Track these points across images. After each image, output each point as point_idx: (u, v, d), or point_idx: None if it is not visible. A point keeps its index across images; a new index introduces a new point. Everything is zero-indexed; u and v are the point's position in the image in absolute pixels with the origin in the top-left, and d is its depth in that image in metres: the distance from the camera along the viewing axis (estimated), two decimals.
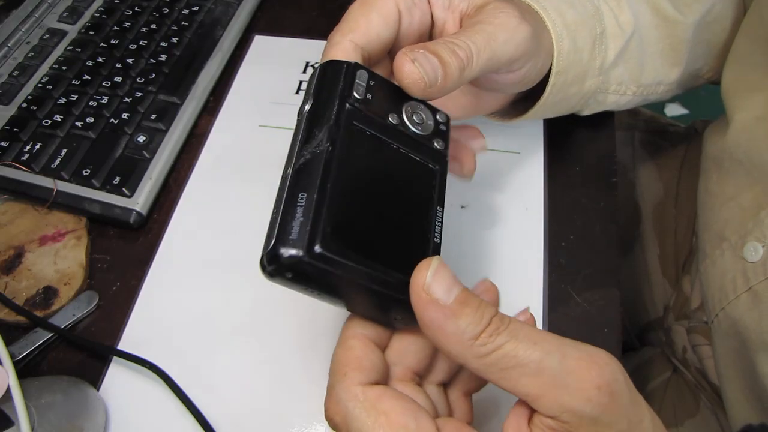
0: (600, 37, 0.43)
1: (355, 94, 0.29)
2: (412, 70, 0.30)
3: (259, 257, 0.26)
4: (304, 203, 0.26)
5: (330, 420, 0.28)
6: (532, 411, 0.26)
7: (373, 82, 0.30)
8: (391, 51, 0.36)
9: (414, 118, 0.31)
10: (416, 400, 0.28)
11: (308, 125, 0.28)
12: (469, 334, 0.25)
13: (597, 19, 0.42)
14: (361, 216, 0.27)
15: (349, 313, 0.29)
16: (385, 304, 0.28)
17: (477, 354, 0.25)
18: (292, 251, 0.25)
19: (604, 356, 0.25)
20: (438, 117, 0.33)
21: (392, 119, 0.30)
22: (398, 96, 0.31)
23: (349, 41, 0.32)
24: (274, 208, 0.27)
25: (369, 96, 0.30)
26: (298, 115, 0.30)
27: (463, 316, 0.25)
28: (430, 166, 0.31)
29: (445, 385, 0.32)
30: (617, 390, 0.25)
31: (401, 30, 0.35)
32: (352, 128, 0.28)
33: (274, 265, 0.25)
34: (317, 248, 0.25)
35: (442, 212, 0.30)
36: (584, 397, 0.24)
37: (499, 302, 0.31)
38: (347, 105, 0.29)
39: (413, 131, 0.31)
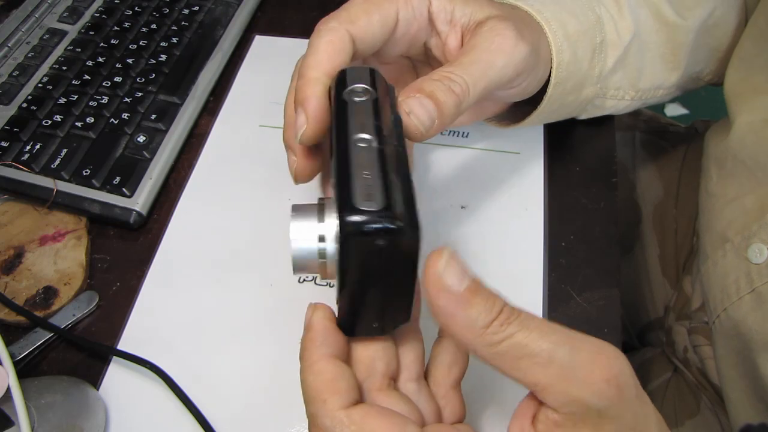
0: (600, 46, 0.42)
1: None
2: (408, 123, 0.31)
3: (344, 215, 0.24)
4: (401, 185, 0.26)
5: None
6: (538, 407, 0.26)
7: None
8: (376, 52, 0.36)
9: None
10: (399, 409, 0.28)
11: (376, 114, 0.29)
12: (481, 323, 0.25)
13: (598, 29, 0.42)
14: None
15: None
16: (389, 305, 0.28)
17: (488, 342, 0.25)
18: (403, 225, 0.24)
19: (613, 350, 0.25)
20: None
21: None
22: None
23: (346, 30, 0.32)
24: (363, 170, 0.26)
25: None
26: (341, 96, 0.30)
27: (474, 305, 0.25)
28: None
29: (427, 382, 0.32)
30: (624, 384, 0.25)
31: (394, 37, 0.35)
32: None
33: (371, 231, 0.24)
34: (419, 232, 0.25)
35: None
36: (592, 389, 0.24)
37: None
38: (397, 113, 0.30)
39: None
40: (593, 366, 0.25)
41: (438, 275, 0.25)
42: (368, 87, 0.30)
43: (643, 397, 0.26)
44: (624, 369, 0.25)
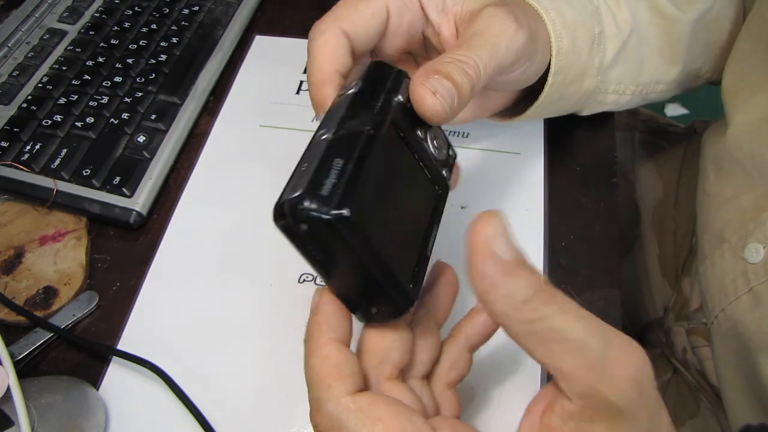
0: (598, 36, 0.43)
1: (399, 97, 0.30)
2: (435, 103, 0.30)
3: (275, 204, 0.25)
4: (339, 169, 0.25)
5: None
6: (554, 396, 0.26)
7: (408, 95, 0.32)
8: (374, 50, 0.36)
9: (435, 141, 0.32)
10: (404, 399, 0.28)
11: (353, 105, 0.29)
12: (521, 297, 0.24)
13: (596, 19, 0.42)
14: (381, 204, 0.27)
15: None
16: (373, 291, 0.27)
17: (524, 319, 0.24)
18: (319, 206, 0.24)
19: (638, 350, 0.25)
20: (450, 151, 0.34)
21: (420, 132, 0.31)
22: None
23: (338, 27, 0.33)
24: (302, 162, 0.27)
25: (408, 105, 0.31)
26: (338, 96, 0.31)
27: (518, 277, 0.24)
28: (436, 187, 0.32)
29: (428, 380, 0.32)
30: (646, 387, 0.24)
31: (389, 30, 0.35)
32: (389, 124, 0.29)
33: (294, 215, 0.25)
34: (346, 212, 0.24)
35: (437, 231, 0.31)
36: (616, 387, 0.24)
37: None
38: (392, 102, 0.30)
39: (432, 152, 0.32)
40: (620, 364, 0.24)
41: (487, 239, 0.24)
42: (359, 80, 0.31)
43: (659, 400, 0.26)
44: (647, 371, 0.25)
